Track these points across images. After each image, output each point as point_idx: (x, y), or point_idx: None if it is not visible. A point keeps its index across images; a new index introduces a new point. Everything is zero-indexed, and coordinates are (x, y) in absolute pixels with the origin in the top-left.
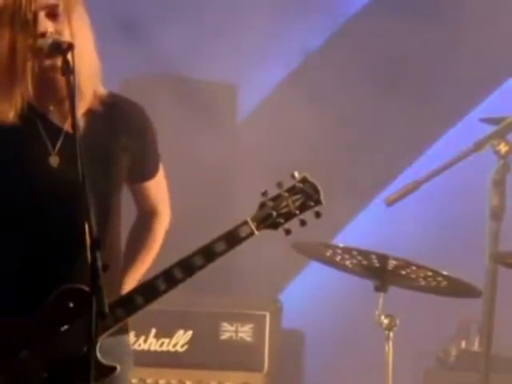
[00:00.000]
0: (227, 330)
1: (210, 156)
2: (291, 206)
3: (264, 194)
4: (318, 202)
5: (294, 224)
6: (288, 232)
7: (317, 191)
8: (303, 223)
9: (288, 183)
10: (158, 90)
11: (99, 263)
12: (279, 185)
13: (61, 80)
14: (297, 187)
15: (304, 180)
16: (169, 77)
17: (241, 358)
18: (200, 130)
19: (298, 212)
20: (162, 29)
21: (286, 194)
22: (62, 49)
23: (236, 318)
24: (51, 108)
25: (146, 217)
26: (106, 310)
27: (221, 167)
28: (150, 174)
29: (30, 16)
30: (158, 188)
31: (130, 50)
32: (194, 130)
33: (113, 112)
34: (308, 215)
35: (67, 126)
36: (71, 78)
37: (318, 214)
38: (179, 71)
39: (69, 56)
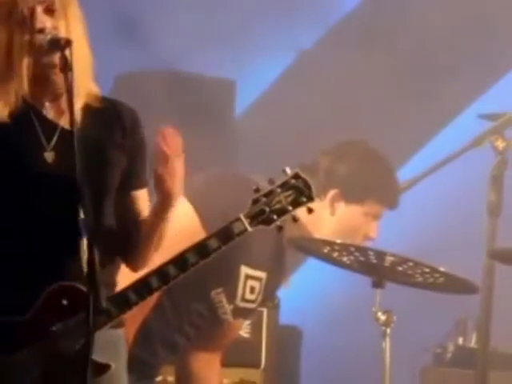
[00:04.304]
0: None
1: (207, 152)
2: (283, 201)
3: (256, 190)
4: (310, 198)
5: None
6: (280, 229)
7: (308, 187)
8: (295, 219)
9: (280, 179)
10: (155, 86)
11: (96, 259)
12: (271, 181)
13: (57, 76)
14: (289, 183)
15: (296, 176)
16: (165, 72)
17: (238, 354)
18: (197, 125)
19: (290, 208)
20: (160, 25)
21: (279, 190)
22: (60, 45)
23: None
24: (47, 104)
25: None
26: (103, 305)
27: (218, 162)
28: (144, 183)
29: (27, 12)
30: (147, 202)
31: (128, 46)
32: (191, 125)
33: (108, 110)
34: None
35: (63, 122)
36: (69, 74)
37: (310, 210)
38: (176, 67)
39: (67, 52)
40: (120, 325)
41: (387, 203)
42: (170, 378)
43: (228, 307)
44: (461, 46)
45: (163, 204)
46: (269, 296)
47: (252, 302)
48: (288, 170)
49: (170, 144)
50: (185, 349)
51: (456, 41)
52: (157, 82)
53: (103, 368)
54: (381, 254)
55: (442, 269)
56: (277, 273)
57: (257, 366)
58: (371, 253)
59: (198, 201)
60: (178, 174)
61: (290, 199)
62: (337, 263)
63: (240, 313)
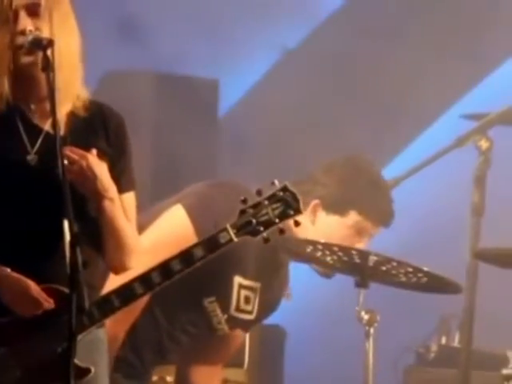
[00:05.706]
0: None
1: (191, 151)
2: (271, 214)
3: (244, 201)
4: (297, 211)
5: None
6: (266, 240)
7: (296, 200)
8: (282, 232)
9: (268, 191)
10: (138, 85)
11: (79, 259)
12: (259, 192)
13: (42, 78)
14: (277, 195)
15: (284, 188)
16: (148, 72)
17: None
18: (181, 125)
19: (277, 220)
20: (145, 25)
21: (266, 202)
22: (42, 45)
23: None
24: (32, 107)
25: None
26: (86, 305)
27: (202, 162)
28: (128, 186)
29: (10, 14)
30: (131, 206)
31: (115, 46)
32: (175, 125)
33: (94, 116)
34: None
35: (48, 126)
36: (51, 74)
37: (297, 223)
38: (160, 66)
39: (48, 52)
40: (101, 325)
41: (372, 218)
42: (169, 378)
43: (222, 317)
44: (444, 46)
45: (94, 199)
46: (268, 308)
47: (249, 312)
48: (276, 183)
49: (71, 150)
50: (180, 354)
51: (439, 41)
52: (140, 82)
53: (84, 372)
54: (364, 254)
55: (425, 268)
56: (273, 285)
57: (240, 365)
58: (354, 252)
59: (192, 208)
60: (88, 172)
61: (277, 212)
62: (320, 263)
63: (236, 323)
